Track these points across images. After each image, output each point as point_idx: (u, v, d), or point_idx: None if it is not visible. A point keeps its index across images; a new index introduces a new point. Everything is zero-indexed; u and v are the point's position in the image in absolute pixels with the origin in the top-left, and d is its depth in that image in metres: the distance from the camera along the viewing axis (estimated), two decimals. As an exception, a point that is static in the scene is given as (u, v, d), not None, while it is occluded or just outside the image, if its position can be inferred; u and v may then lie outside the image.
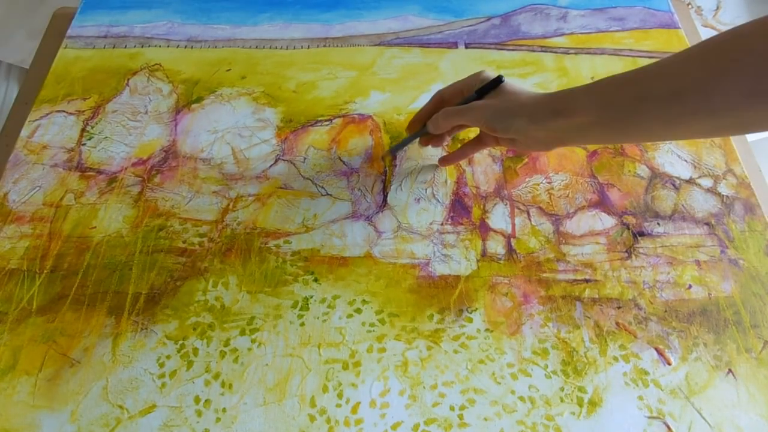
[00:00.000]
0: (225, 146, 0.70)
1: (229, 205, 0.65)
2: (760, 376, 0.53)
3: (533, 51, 0.80)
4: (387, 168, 0.68)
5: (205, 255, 0.61)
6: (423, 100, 0.74)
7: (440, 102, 0.61)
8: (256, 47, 0.81)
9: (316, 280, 0.59)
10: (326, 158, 0.69)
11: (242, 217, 0.63)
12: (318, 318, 0.56)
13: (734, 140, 0.70)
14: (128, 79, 0.77)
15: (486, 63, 0.79)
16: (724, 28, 0.88)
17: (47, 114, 0.73)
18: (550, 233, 0.62)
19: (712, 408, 0.52)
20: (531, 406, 0.52)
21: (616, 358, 0.54)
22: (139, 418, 0.51)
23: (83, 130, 0.71)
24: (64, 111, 0.73)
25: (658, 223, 0.63)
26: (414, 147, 0.69)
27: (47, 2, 1.10)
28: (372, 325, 0.56)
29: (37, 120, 0.72)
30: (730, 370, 0.54)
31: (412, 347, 0.55)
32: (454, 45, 0.81)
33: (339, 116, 0.73)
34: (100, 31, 0.83)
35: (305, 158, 0.69)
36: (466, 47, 0.81)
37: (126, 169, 0.68)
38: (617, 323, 0.56)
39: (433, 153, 0.69)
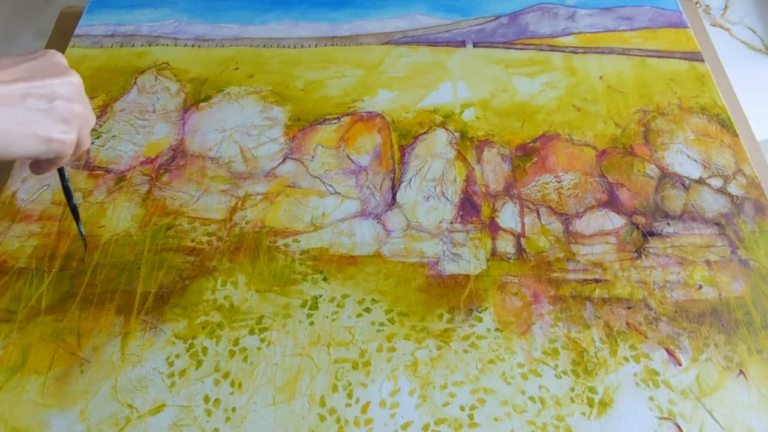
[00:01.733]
0: (233, 145, 0.70)
1: (237, 203, 0.64)
2: (772, 377, 0.53)
3: (541, 50, 0.80)
4: (396, 166, 0.68)
5: (213, 254, 0.61)
6: (431, 98, 0.74)
7: None
8: (264, 46, 0.81)
9: (325, 279, 0.59)
10: (334, 156, 0.69)
11: (250, 216, 0.63)
12: (327, 317, 0.56)
13: (744, 140, 0.70)
14: (136, 78, 0.77)
15: (494, 62, 0.79)
16: (732, 28, 0.88)
17: (55, 112, 0.72)
18: (559, 233, 0.62)
19: (723, 409, 0.51)
20: (541, 407, 0.51)
21: (626, 359, 0.54)
22: (149, 418, 0.51)
23: (91, 128, 0.71)
24: (71, 109, 0.73)
25: (668, 223, 0.63)
26: (423, 144, 0.69)
27: (54, 2, 1.10)
28: (381, 324, 0.56)
29: (45, 118, 0.72)
30: (741, 371, 0.53)
31: (422, 347, 0.55)
32: (462, 44, 0.81)
33: (347, 114, 0.73)
34: (107, 30, 0.83)
35: (313, 156, 0.69)
36: (474, 46, 0.81)
37: (134, 167, 0.68)
38: (627, 323, 0.56)
39: (442, 151, 0.69)
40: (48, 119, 0.41)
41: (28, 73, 0.41)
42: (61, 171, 0.53)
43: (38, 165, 0.46)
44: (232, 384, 0.52)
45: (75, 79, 0.44)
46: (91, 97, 0.74)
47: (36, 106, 0.40)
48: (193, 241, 0.62)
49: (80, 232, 0.58)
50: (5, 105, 0.39)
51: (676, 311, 0.57)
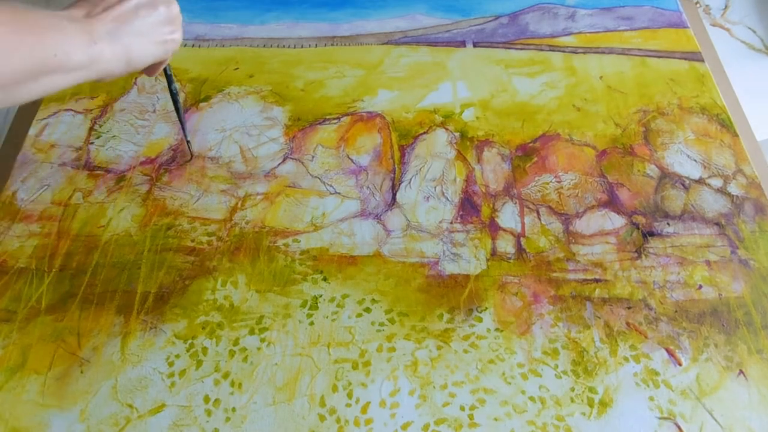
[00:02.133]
0: (233, 145, 0.70)
1: (237, 203, 0.64)
2: (772, 377, 0.53)
3: (541, 50, 0.80)
4: (396, 166, 0.68)
5: (213, 254, 0.61)
6: (431, 98, 0.74)
7: None
8: (264, 46, 0.81)
9: (325, 279, 0.59)
10: (334, 156, 0.69)
11: (251, 216, 0.63)
12: (327, 317, 0.56)
13: (744, 140, 0.69)
14: (136, 78, 0.76)
15: (494, 62, 0.79)
16: (732, 28, 0.88)
17: (55, 113, 0.72)
18: (559, 232, 0.62)
19: (723, 409, 0.51)
20: (541, 407, 0.51)
21: (626, 359, 0.54)
22: (149, 418, 0.51)
23: (91, 128, 0.71)
24: (72, 109, 0.73)
25: (668, 223, 0.63)
26: (423, 144, 0.69)
27: (54, 2, 1.10)
28: (381, 324, 0.56)
29: (45, 119, 0.72)
30: (741, 371, 0.53)
31: (421, 347, 0.55)
32: (462, 44, 0.81)
33: (347, 114, 0.73)
34: (107, 29, 0.82)
35: (313, 156, 0.69)
36: (474, 46, 0.81)
37: (134, 167, 0.67)
38: (627, 323, 0.56)
39: (442, 151, 0.69)
40: (158, 24, 0.47)
41: None
42: (167, 73, 0.61)
43: (152, 68, 0.52)
44: (232, 384, 0.52)
45: None
46: (91, 97, 0.74)
47: (147, 16, 0.45)
48: (193, 241, 0.62)
49: (184, 135, 0.66)
50: (125, 22, 0.44)
51: (676, 311, 0.57)
